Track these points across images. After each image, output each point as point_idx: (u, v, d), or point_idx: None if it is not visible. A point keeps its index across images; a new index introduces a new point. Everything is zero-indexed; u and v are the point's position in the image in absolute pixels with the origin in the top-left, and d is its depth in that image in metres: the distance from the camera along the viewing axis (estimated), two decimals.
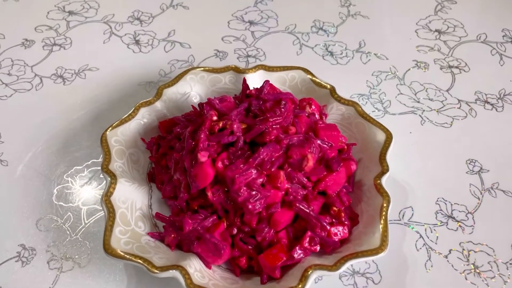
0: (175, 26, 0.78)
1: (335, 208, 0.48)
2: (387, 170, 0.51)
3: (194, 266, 0.45)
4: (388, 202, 0.48)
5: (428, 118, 0.65)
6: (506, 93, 0.68)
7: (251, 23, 0.79)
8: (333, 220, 0.48)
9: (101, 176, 0.57)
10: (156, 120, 0.58)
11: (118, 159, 0.53)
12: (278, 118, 0.48)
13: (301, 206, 0.46)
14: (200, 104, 0.54)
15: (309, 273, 0.43)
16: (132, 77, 0.70)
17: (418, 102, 0.67)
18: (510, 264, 0.51)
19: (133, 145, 0.56)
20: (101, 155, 0.52)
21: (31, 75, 0.70)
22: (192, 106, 0.56)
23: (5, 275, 0.50)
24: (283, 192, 0.46)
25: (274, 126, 0.47)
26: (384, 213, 0.47)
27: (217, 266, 0.48)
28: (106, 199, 0.48)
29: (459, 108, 0.66)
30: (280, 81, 0.62)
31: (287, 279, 0.44)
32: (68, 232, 0.53)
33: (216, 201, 0.47)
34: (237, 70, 0.62)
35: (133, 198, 0.51)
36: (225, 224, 0.47)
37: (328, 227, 0.46)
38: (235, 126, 0.47)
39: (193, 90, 0.61)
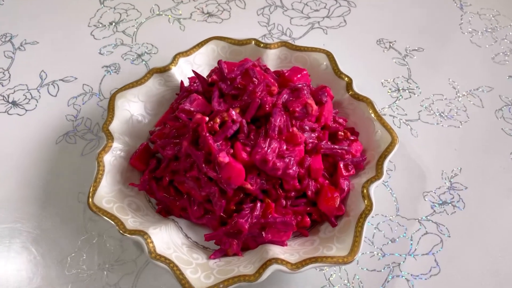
0: (40, 66, 0.68)
1: (341, 133, 0.52)
2: (351, 79, 0.56)
3: (279, 252, 0.45)
4: (372, 103, 0.54)
5: (327, 27, 0.71)
6: None
7: (114, 23, 0.73)
8: (348, 141, 0.52)
9: (108, 245, 0.51)
10: (123, 160, 0.53)
11: (125, 216, 0.48)
12: (260, 85, 0.48)
13: (325, 146, 0.49)
14: (173, 117, 0.50)
15: (366, 191, 0.47)
16: (43, 140, 0.60)
17: (309, 17, 0.73)
18: (458, 96, 0.63)
19: (123, 196, 0.50)
20: (92, 230, 0.46)
21: None
22: (168, 122, 0.52)
23: None
24: (303, 144, 0.48)
25: (262, 95, 0.48)
26: (374, 112, 0.53)
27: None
28: (155, 255, 0.44)
29: (340, 6, 0.74)
30: (203, 58, 0.60)
31: (352, 208, 0.48)
32: None
33: (256, 189, 0.47)
34: (159, 70, 0.58)
35: (171, 239, 0.47)
36: (271, 202, 0.48)
37: (351, 150, 0.51)
38: (233, 113, 0.46)
39: (132, 112, 0.56)
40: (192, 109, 0.49)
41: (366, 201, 0.47)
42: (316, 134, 0.50)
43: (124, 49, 0.70)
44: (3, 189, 0.56)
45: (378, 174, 0.49)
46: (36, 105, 0.64)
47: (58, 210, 0.54)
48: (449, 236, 0.51)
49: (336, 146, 0.50)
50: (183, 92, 0.56)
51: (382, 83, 0.64)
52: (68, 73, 0.67)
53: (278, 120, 0.46)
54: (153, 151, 0.53)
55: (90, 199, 0.48)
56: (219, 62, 0.51)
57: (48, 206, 0.55)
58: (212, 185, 0.46)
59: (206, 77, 0.54)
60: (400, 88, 0.64)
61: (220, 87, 0.50)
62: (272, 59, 0.60)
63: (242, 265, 0.45)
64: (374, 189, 0.48)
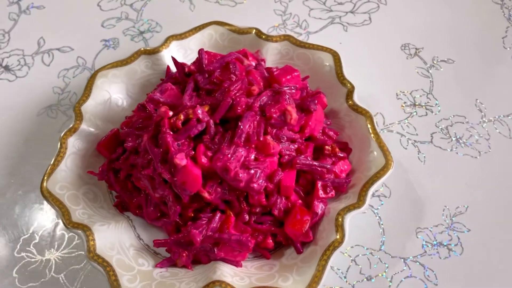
0: (40, 32, 0.65)
1: (328, 147, 0.46)
2: (353, 87, 0.49)
3: (227, 272, 0.40)
4: (371, 118, 0.47)
5: (348, 23, 0.64)
6: None
7: None
8: (333, 159, 0.45)
9: (61, 232, 0.48)
10: (90, 144, 0.49)
11: (75, 206, 0.44)
12: (237, 83, 0.42)
13: (302, 161, 0.43)
14: (141, 106, 0.46)
15: (340, 221, 0.41)
16: (25, 110, 0.58)
17: (331, 10, 0.65)
18: (483, 122, 0.54)
19: (81, 183, 0.47)
20: (43, 211, 0.43)
21: None
22: (137, 111, 0.47)
23: None
24: (277, 156, 0.42)
25: (237, 94, 0.42)
26: (373, 129, 0.46)
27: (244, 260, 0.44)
28: (93, 255, 0.40)
29: (368, 1, 0.66)
30: (199, 45, 0.55)
31: (323, 236, 0.42)
32: None
33: (215, 199, 0.41)
34: (147, 52, 0.54)
35: (119, 239, 0.43)
36: (232, 215, 0.43)
37: (334, 169, 0.44)
38: (199, 112, 0.41)
39: (111, 94, 0.52)
40: (161, 99, 0.44)
41: (338, 232, 0.40)
42: (296, 146, 0.44)
43: (127, 24, 0.66)
44: None
45: (359, 202, 0.42)
46: (27, 73, 0.61)
47: (22, 185, 0.52)
48: (436, 284, 0.44)
49: (316, 163, 0.43)
50: (167, 79, 0.51)
51: (397, 95, 0.56)
52: (65, 43, 0.64)
53: (247, 126, 0.40)
54: (122, 139, 0.49)
55: (44, 183, 0.45)
56: (199, 51, 0.45)
57: (13, 180, 0.52)
58: (167, 188, 0.42)
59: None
60: (417, 103, 0.56)
61: (196, 79, 0.45)
62: (272, 54, 0.54)
63: (185, 281, 0.40)
64: (355, 218, 0.42)
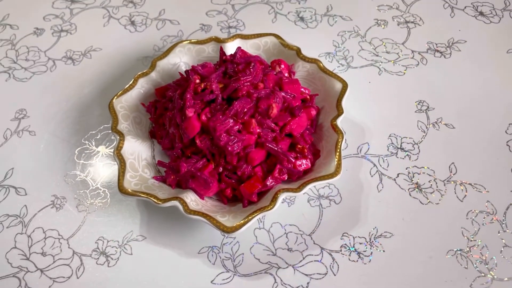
0: (164, 5, 0.89)
1: (299, 146, 0.60)
2: (342, 112, 0.62)
3: (190, 197, 0.58)
4: (342, 138, 0.60)
5: (385, 69, 0.76)
6: (454, 41, 0.79)
7: None
8: (298, 155, 0.59)
9: (112, 137, 0.70)
10: (152, 88, 0.70)
11: (124, 121, 0.65)
12: (248, 77, 0.59)
13: (270, 145, 0.58)
14: (186, 71, 0.65)
15: (278, 195, 0.55)
16: (130, 53, 0.81)
17: (377, 55, 0.78)
18: (447, 181, 0.63)
19: (135, 109, 0.68)
20: (110, 120, 0.65)
21: (45, 59, 0.82)
22: (180, 73, 0.68)
23: (44, 218, 0.63)
24: (256, 136, 0.58)
25: (245, 84, 0.59)
26: (339, 146, 0.59)
27: (209, 198, 0.60)
28: (118, 152, 0.61)
29: (412, 58, 0.77)
30: (255, 47, 0.73)
31: (262, 201, 0.57)
32: (90, 183, 0.66)
33: (204, 147, 0.59)
34: (217, 40, 0.73)
35: (139, 151, 0.63)
36: (212, 165, 0.60)
37: (293, 160, 0.58)
38: (213, 86, 0.59)
39: (181, 60, 0.72)
40: (199, 71, 0.63)
41: (272, 202, 0.55)
42: (274, 135, 0.59)
43: (223, 17, 0.86)
44: (90, 68, 0.79)
45: (296, 189, 0.56)
46: (143, 30, 0.85)
47: (106, 102, 0.75)
48: (335, 275, 0.56)
49: (280, 151, 0.58)
50: (219, 63, 0.69)
51: (390, 135, 0.68)
52: (176, 18, 0.86)
53: (238, 106, 0.57)
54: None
55: (113, 100, 0.66)
56: (237, 48, 0.63)
57: (102, 95, 0.76)
58: (176, 129, 0.60)
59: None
60: (402, 148, 0.66)
61: (226, 66, 0.62)
62: (302, 70, 0.69)
63: (162, 192, 0.59)
64: (304, 207, 0.58)
